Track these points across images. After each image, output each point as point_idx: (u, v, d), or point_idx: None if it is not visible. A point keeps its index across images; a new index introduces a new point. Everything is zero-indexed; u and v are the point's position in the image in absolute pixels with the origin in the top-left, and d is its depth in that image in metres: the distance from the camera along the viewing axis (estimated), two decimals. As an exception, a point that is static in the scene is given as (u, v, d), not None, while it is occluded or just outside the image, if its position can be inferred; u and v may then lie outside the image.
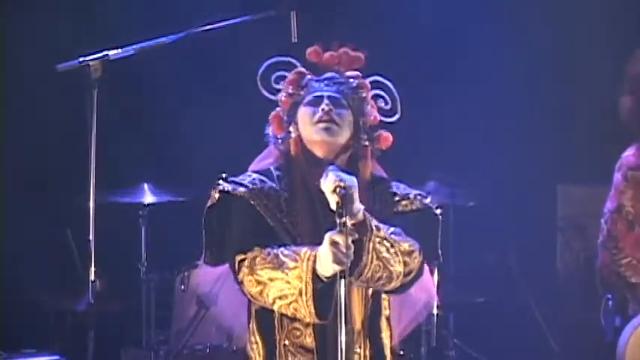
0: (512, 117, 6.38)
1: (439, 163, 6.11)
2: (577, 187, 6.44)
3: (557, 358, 6.24)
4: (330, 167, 3.21)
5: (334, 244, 3.05)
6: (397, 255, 3.21)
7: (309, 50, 3.51)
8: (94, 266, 3.83)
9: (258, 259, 3.20)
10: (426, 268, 3.63)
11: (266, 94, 3.45)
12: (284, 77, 3.47)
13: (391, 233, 3.23)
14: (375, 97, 3.49)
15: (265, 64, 3.47)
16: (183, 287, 5.60)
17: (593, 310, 5.25)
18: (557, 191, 6.53)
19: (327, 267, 3.09)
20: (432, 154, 6.25)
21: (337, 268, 3.06)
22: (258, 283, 3.19)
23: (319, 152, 3.38)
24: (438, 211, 3.45)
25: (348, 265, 3.05)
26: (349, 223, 3.08)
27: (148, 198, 5.75)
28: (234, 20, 4.00)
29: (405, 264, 3.23)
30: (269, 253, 3.19)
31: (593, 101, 6.22)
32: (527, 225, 6.42)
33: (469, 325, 6.18)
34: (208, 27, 3.98)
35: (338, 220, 3.05)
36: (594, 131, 6.19)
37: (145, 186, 5.80)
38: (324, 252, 3.07)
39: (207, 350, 5.43)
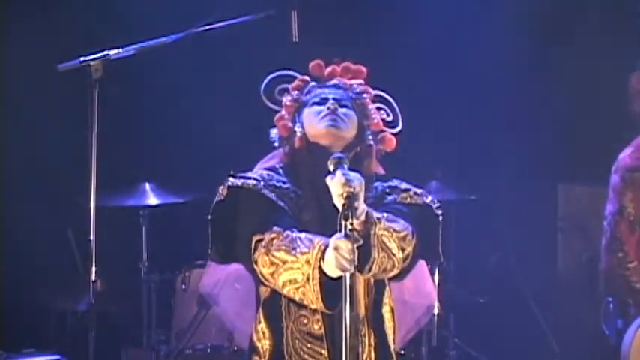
0: (512, 117, 6.38)
1: (440, 164, 6.11)
2: (577, 187, 6.43)
3: (557, 359, 6.24)
4: (337, 158, 3.18)
5: (338, 249, 3.02)
6: (396, 242, 3.20)
7: (311, 64, 3.56)
8: (95, 266, 3.84)
9: (275, 240, 3.18)
10: (426, 270, 3.64)
11: (270, 104, 3.49)
12: (287, 90, 3.51)
13: (386, 220, 3.22)
14: (377, 108, 3.52)
15: (268, 77, 3.51)
16: (184, 287, 5.61)
17: (594, 310, 5.24)
18: (557, 191, 6.52)
19: (331, 269, 3.07)
20: (433, 155, 6.25)
21: (341, 273, 3.04)
22: (272, 263, 3.17)
23: (325, 142, 3.38)
24: (439, 212, 3.45)
25: (352, 270, 3.02)
26: (355, 224, 3.06)
27: (149, 198, 5.76)
28: (234, 20, 4.01)
29: (403, 249, 3.23)
30: (287, 236, 3.18)
31: (594, 101, 6.22)
32: (528, 225, 6.42)
33: (470, 324, 6.18)
34: (208, 27, 3.98)
35: (343, 223, 3.02)
36: (594, 131, 6.19)
37: (147, 186, 5.81)
38: (330, 256, 3.06)
39: (208, 350, 5.44)
